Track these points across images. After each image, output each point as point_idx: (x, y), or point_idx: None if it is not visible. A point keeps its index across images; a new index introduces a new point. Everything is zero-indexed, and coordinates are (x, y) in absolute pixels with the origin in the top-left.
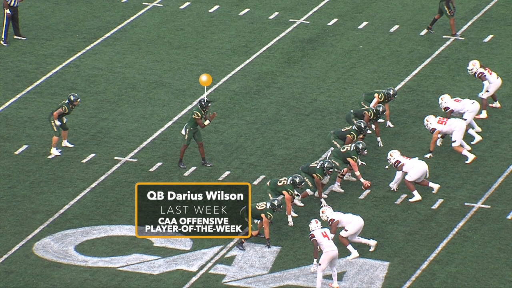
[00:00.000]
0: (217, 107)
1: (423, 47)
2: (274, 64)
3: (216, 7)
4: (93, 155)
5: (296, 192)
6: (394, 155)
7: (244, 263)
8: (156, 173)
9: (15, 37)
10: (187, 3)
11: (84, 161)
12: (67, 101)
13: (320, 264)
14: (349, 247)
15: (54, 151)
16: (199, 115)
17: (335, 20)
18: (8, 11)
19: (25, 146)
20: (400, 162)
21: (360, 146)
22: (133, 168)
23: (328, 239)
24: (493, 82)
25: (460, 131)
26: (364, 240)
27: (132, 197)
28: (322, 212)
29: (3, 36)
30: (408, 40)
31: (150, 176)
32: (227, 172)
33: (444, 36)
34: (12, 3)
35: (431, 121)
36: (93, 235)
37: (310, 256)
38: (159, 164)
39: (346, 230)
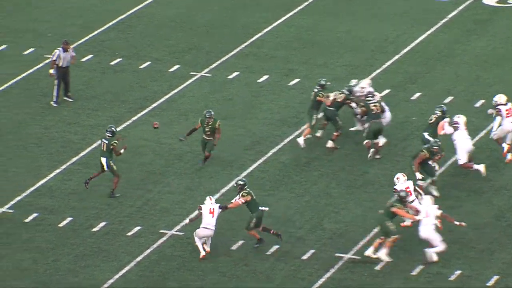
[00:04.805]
0: (266, 179)
1: (477, 119)
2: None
3: (265, 77)
4: (138, 228)
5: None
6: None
7: None
8: None
9: (64, 98)
10: (236, 73)
11: (129, 234)
12: (316, 90)
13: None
14: None
15: (301, 141)
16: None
17: (387, 90)
18: (52, 71)
19: (69, 219)
20: (458, 123)
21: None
22: (179, 241)
23: (213, 216)
24: None
25: None
26: None
27: (178, 271)
28: (397, 178)
29: (54, 98)
30: (462, 111)
31: (196, 250)
32: (276, 247)
33: None
34: (60, 63)
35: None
36: None
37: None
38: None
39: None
